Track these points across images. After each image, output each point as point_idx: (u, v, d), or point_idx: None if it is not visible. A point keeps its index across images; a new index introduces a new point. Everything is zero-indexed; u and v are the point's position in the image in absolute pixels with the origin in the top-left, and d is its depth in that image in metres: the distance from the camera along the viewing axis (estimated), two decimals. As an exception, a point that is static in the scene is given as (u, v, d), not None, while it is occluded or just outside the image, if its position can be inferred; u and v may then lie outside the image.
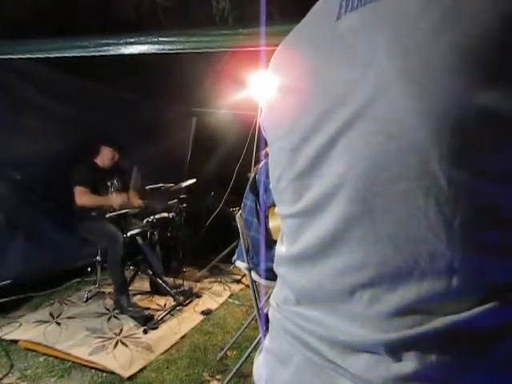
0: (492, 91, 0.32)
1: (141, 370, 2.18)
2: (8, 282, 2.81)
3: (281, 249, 0.57)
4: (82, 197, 3.02)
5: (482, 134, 0.33)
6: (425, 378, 0.39)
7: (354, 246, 0.43)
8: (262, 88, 3.06)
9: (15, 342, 2.42)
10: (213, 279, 3.66)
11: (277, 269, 0.59)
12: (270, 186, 0.58)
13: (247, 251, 1.85)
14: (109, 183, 3.23)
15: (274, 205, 1.70)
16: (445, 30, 0.34)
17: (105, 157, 3.21)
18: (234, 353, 2.39)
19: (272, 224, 1.73)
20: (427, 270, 0.38)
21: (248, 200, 1.86)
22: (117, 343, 2.45)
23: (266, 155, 1.87)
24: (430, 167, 0.35)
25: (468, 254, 0.36)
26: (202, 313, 2.93)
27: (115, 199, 3.15)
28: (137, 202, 3.34)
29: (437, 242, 0.37)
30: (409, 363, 0.39)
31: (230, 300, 3.22)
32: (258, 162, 3.28)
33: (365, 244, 0.42)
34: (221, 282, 3.59)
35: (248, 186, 1.87)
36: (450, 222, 0.36)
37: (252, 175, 1.88)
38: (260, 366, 0.59)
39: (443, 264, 0.37)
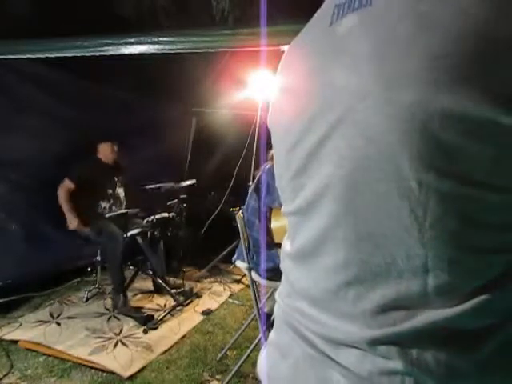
0: (457, 94, 0.33)
1: (141, 370, 2.18)
2: (8, 281, 2.80)
3: (286, 245, 0.60)
4: (63, 194, 2.93)
5: (449, 137, 0.34)
6: (408, 374, 0.39)
7: (339, 244, 0.45)
8: (267, 88, 3.07)
9: (15, 342, 2.41)
10: (213, 279, 3.66)
11: (281, 264, 0.61)
12: (276, 184, 0.60)
13: (247, 251, 1.85)
14: (116, 178, 3.25)
15: (276, 206, 1.70)
16: (417, 37, 0.36)
17: (106, 152, 3.20)
18: (234, 353, 2.39)
19: (274, 225, 1.73)
20: (404, 268, 0.39)
21: (252, 200, 1.87)
22: (117, 343, 2.45)
23: (272, 157, 1.88)
24: (401, 169, 0.37)
25: (441, 253, 0.37)
26: (202, 313, 2.93)
27: (70, 222, 2.94)
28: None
29: (411, 241, 0.38)
30: (392, 359, 0.40)
31: (230, 300, 3.22)
32: (258, 162, 3.28)
33: (348, 243, 0.44)
34: (221, 282, 3.59)
35: (252, 187, 1.88)
36: (421, 223, 0.37)
37: (257, 176, 1.88)
38: (263, 358, 0.61)
39: (418, 263, 0.38)
